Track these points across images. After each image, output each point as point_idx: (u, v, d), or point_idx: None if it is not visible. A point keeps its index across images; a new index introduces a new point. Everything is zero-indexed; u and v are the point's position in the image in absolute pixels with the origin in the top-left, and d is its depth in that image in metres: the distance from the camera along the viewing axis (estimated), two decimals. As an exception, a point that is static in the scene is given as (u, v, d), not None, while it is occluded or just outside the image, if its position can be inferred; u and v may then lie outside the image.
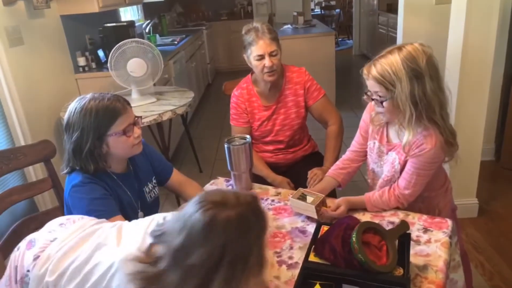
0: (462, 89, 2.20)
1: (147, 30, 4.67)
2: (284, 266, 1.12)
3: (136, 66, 2.55)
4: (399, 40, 2.99)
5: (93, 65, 3.30)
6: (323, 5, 9.00)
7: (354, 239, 0.96)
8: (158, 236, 0.80)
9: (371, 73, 1.22)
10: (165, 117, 2.56)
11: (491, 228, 2.33)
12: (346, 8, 8.86)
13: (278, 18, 6.56)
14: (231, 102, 1.93)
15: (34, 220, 1.47)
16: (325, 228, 1.12)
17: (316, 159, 2.03)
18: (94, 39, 3.48)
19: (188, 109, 2.76)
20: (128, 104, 1.32)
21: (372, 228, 1.01)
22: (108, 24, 3.30)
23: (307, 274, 0.97)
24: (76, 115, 1.23)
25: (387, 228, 1.11)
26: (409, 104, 1.18)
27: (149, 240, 0.83)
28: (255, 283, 0.76)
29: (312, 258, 1.03)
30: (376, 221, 1.24)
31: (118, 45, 2.49)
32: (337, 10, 8.73)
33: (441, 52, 2.80)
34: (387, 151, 1.37)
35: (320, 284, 0.93)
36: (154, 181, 1.47)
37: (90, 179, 1.27)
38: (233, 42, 6.96)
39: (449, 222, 1.23)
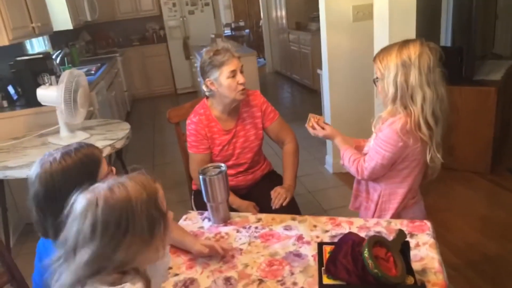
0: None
1: (58, 61, 4.33)
2: (291, 294, 1.10)
3: (83, 97, 2.35)
4: (324, 56, 3.17)
5: (5, 103, 2.96)
6: (232, 26, 9.23)
7: (366, 255, 0.98)
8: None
9: (376, 60, 1.42)
10: (104, 153, 2.36)
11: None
12: (255, 28, 9.19)
13: (192, 41, 6.56)
14: (189, 130, 1.87)
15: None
16: (327, 248, 1.13)
17: (274, 178, 2.05)
18: (2, 74, 3.13)
19: (127, 141, 2.60)
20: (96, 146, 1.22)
21: (378, 241, 1.04)
22: (21, 58, 2.99)
23: (327, 299, 0.96)
24: (58, 179, 1.07)
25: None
26: (392, 87, 1.35)
27: None
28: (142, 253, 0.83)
29: (326, 280, 1.02)
30: (363, 233, 1.28)
31: (69, 75, 2.26)
32: (247, 31, 9.02)
33: (366, 64, 3.05)
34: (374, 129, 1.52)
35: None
36: None
37: None
38: (148, 67, 6.80)
39: (428, 223, 1.32)
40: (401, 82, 1.34)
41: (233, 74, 1.73)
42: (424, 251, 1.20)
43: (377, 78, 1.43)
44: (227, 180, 1.44)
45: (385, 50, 1.41)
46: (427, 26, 3.21)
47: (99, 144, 2.41)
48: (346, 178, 3.27)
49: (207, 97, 1.89)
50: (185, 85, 6.93)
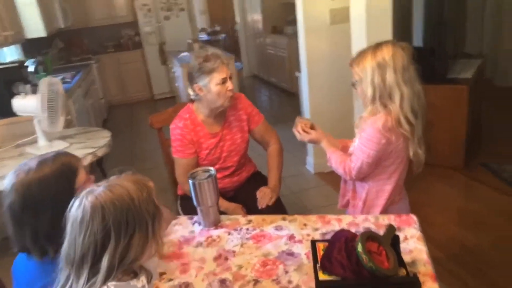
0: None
1: (32, 70, 4.22)
2: (287, 292, 1.12)
3: (61, 105, 2.31)
4: (303, 59, 3.22)
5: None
6: (208, 31, 9.22)
7: (360, 249, 1.01)
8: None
9: (352, 65, 1.47)
10: (86, 161, 2.34)
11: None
12: (230, 33, 9.21)
13: (169, 46, 6.53)
14: (174, 135, 1.86)
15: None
16: (320, 245, 1.15)
17: (259, 179, 2.08)
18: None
19: (108, 149, 2.57)
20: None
21: (370, 236, 1.07)
22: (-7, 67, 2.91)
23: (324, 294, 0.98)
24: (35, 189, 1.05)
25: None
26: (370, 88, 1.40)
27: None
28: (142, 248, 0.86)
29: (321, 276, 1.04)
30: (353, 230, 1.32)
31: (47, 83, 2.21)
32: (223, 35, 9.03)
33: (345, 66, 3.12)
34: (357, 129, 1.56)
35: (343, 301, 0.95)
36: None
37: None
38: (124, 74, 6.71)
39: (414, 217, 1.37)
40: (379, 83, 1.39)
41: (223, 81, 1.74)
42: (412, 244, 1.24)
43: (356, 81, 1.48)
44: (216, 183, 1.45)
45: (360, 55, 1.46)
46: (399, 28, 3.32)
47: (80, 152, 2.38)
48: (328, 177, 3.33)
49: (192, 101, 1.89)
50: (162, 91, 6.87)
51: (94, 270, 0.82)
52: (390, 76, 1.38)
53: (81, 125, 3.52)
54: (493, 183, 2.95)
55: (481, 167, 3.18)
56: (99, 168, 3.09)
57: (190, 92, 1.82)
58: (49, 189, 1.05)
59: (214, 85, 1.73)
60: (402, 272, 1.04)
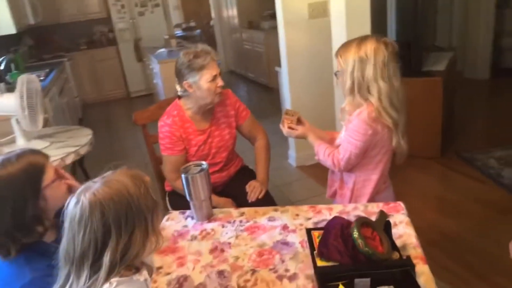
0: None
1: (1, 68, 4.08)
2: (285, 280, 1.15)
3: (40, 103, 2.26)
4: (283, 53, 3.25)
5: None
6: (183, 27, 9.11)
7: (356, 235, 1.05)
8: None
9: (337, 55, 1.50)
10: (68, 160, 2.31)
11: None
12: (206, 28, 9.13)
13: (144, 42, 6.44)
14: (162, 132, 1.85)
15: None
16: (315, 233, 1.19)
17: (247, 173, 2.10)
18: None
19: (90, 147, 2.53)
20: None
21: (364, 222, 1.11)
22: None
23: (324, 279, 1.01)
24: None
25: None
26: (349, 80, 1.45)
27: None
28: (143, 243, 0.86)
29: (319, 263, 1.08)
30: (344, 217, 1.36)
31: (26, 81, 2.16)
32: (198, 31, 8.94)
33: (324, 60, 3.17)
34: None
35: (343, 284, 0.99)
36: None
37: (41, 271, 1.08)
38: (98, 71, 6.58)
39: (402, 204, 1.42)
40: (358, 76, 1.44)
41: (214, 78, 1.74)
42: (402, 229, 1.29)
43: (338, 71, 1.52)
44: (209, 177, 1.46)
45: (345, 46, 1.49)
46: (374, 23, 3.40)
47: (62, 151, 2.33)
48: (310, 170, 3.39)
49: (179, 98, 1.88)
50: (139, 88, 6.78)
51: (95, 267, 0.81)
52: (369, 71, 1.42)
53: (57, 124, 3.44)
54: (468, 172, 3.08)
55: (456, 157, 3.31)
56: (80, 168, 3.02)
57: (178, 88, 1.81)
58: (12, 188, 1.04)
59: (205, 82, 1.72)
60: (396, 255, 1.08)
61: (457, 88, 4.13)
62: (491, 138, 3.65)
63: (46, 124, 3.22)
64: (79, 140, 2.52)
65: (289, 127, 1.65)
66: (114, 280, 0.81)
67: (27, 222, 1.08)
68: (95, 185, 0.85)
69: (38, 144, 2.43)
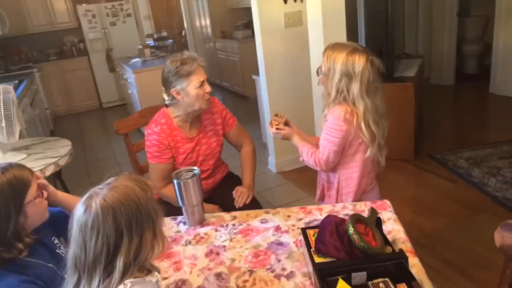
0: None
1: (-31, 80, 3.94)
2: (283, 279, 1.18)
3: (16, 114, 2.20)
4: (261, 62, 3.31)
5: None
6: (155, 36, 9.06)
7: (351, 231, 1.09)
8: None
9: (326, 52, 1.53)
10: (48, 172, 2.26)
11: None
12: (177, 38, 9.12)
13: (116, 53, 6.36)
14: (149, 140, 1.84)
15: None
16: (310, 232, 1.22)
17: (233, 179, 2.12)
18: None
19: (70, 158, 2.48)
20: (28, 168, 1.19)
21: (358, 219, 1.16)
22: None
23: (322, 274, 1.05)
24: None
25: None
26: (334, 90, 1.51)
27: None
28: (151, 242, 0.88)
29: (317, 259, 1.11)
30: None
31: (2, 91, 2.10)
32: (170, 41, 8.91)
33: (301, 67, 3.25)
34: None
35: (341, 278, 1.03)
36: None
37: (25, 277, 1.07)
38: (69, 82, 6.44)
39: (388, 202, 1.48)
40: (342, 89, 1.50)
41: (201, 84, 1.75)
42: (390, 225, 1.35)
43: (322, 71, 1.56)
44: (200, 182, 1.47)
45: (336, 50, 1.52)
46: (348, 31, 3.53)
47: (41, 163, 2.28)
48: (290, 176, 3.45)
49: (167, 106, 1.89)
50: (111, 99, 6.67)
51: (108, 271, 0.82)
52: (355, 87, 1.48)
53: (31, 136, 3.35)
54: (440, 172, 3.22)
55: (428, 158, 3.46)
56: (59, 180, 2.95)
57: (166, 97, 1.81)
58: None
59: (193, 88, 1.73)
60: (388, 249, 1.13)
61: (425, 93, 4.32)
62: (459, 140, 3.84)
63: (20, 136, 3.13)
64: (58, 151, 2.47)
65: (277, 128, 1.69)
66: (128, 281, 0.82)
67: (7, 237, 1.07)
68: (103, 191, 0.86)
69: (14, 156, 2.37)
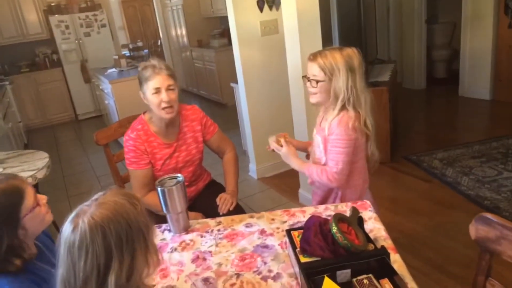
0: (308, 98, 2.63)
1: None
2: (270, 280, 1.19)
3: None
4: (239, 70, 3.34)
5: None
6: (130, 47, 9.00)
7: (335, 230, 1.13)
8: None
9: (317, 60, 1.49)
10: (25, 186, 2.20)
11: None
12: (153, 48, 9.09)
13: (92, 63, 6.28)
14: (126, 146, 1.85)
15: None
16: (295, 233, 1.25)
17: (216, 187, 2.13)
18: None
19: (48, 171, 2.43)
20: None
21: (340, 218, 1.19)
22: None
23: (308, 274, 1.07)
24: None
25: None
26: (344, 89, 1.47)
27: None
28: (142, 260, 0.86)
29: (303, 259, 1.14)
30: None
31: None
32: (146, 51, 8.87)
33: (278, 74, 3.30)
34: (316, 133, 1.63)
35: (327, 276, 1.05)
36: None
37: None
38: (43, 94, 6.31)
39: (368, 202, 1.53)
40: (351, 86, 1.48)
41: (156, 91, 1.75)
42: (371, 224, 1.40)
43: (313, 78, 1.51)
44: (185, 189, 1.48)
45: (327, 52, 1.50)
46: (322, 38, 3.61)
47: (18, 176, 2.23)
48: (271, 182, 3.48)
49: (144, 112, 1.90)
50: (87, 110, 6.57)
51: None
52: (359, 80, 1.49)
53: (4, 150, 3.26)
54: (416, 173, 3.32)
55: (404, 160, 3.56)
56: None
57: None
58: None
59: (149, 94, 1.77)
60: (371, 246, 1.17)
61: (398, 97, 4.45)
62: (432, 141, 3.97)
63: (-8, 150, 3.05)
64: (35, 164, 2.43)
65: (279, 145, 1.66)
66: None
67: (2, 254, 1.04)
68: (91, 209, 0.83)
69: (-11, 171, 2.31)
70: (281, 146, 1.65)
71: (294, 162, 1.65)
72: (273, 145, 1.68)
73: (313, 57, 1.53)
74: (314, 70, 1.52)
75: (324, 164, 1.60)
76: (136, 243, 0.83)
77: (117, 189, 0.92)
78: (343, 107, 1.52)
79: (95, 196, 0.88)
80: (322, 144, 1.60)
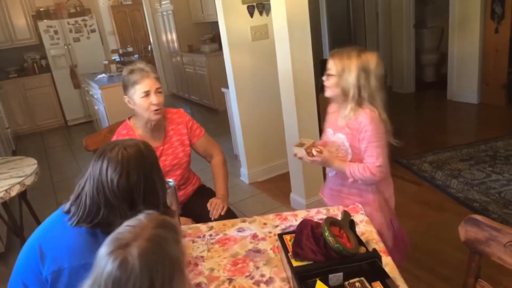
0: (298, 102, 2.66)
1: None
2: (262, 285, 1.19)
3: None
4: (229, 75, 3.35)
5: None
6: (120, 52, 8.96)
7: (327, 233, 1.13)
8: None
9: (334, 56, 1.56)
10: (13, 192, 2.20)
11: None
12: (143, 53, 9.06)
13: (81, 69, 6.24)
14: None
15: None
16: (287, 237, 1.25)
17: (205, 192, 2.12)
18: None
19: (36, 177, 2.40)
20: None
21: (332, 222, 1.20)
22: None
23: (301, 277, 1.07)
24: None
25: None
26: (354, 88, 1.52)
27: None
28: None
29: (295, 263, 1.14)
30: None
31: None
32: (136, 56, 8.84)
33: (269, 78, 3.32)
34: (334, 132, 1.66)
35: (320, 280, 1.05)
36: None
37: None
38: (31, 100, 6.25)
39: (360, 205, 1.54)
40: (364, 84, 1.52)
41: (146, 94, 1.77)
42: (363, 227, 1.40)
43: (330, 73, 1.57)
44: (176, 194, 1.47)
45: (345, 52, 1.56)
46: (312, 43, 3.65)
47: (6, 183, 2.21)
48: (262, 186, 3.48)
49: (129, 118, 1.90)
50: (77, 116, 6.52)
51: None
52: (373, 81, 1.53)
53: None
54: (406, 176, 3.34)
55: (394, 163, 3.58)
56: (24, 201, 2.84)
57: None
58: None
59: (138, 98, 1.77)
60: (362, 249, 1.18)
61: (388, 101, 4.49)
62: (421, 144, 4.01)
63: (-20, 157, 3.01)
64: (23, 170, 2.40)
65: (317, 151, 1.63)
66: None
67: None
68: (137, 242, 0.76)
69: (-24, 178, 2.28)
70: (313, 155, 1.62)
71: (336, 164, 1.65)
72: (301, 153, 1.63)
73: (333, 53, 1.60)
74: (330, 65, 1.59)
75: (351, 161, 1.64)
76: (175, 274, 0.78)
77: (157, 216, 0.84)
78: (359, 104, 1.55)
79: (132, 223, 0.81)
80: (348, 142, 1.61)
